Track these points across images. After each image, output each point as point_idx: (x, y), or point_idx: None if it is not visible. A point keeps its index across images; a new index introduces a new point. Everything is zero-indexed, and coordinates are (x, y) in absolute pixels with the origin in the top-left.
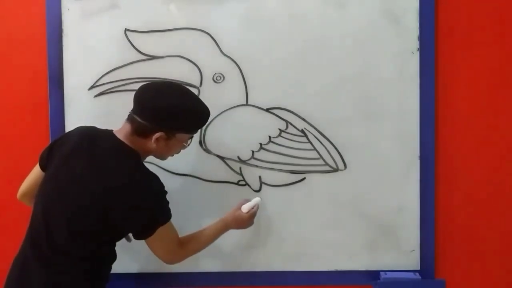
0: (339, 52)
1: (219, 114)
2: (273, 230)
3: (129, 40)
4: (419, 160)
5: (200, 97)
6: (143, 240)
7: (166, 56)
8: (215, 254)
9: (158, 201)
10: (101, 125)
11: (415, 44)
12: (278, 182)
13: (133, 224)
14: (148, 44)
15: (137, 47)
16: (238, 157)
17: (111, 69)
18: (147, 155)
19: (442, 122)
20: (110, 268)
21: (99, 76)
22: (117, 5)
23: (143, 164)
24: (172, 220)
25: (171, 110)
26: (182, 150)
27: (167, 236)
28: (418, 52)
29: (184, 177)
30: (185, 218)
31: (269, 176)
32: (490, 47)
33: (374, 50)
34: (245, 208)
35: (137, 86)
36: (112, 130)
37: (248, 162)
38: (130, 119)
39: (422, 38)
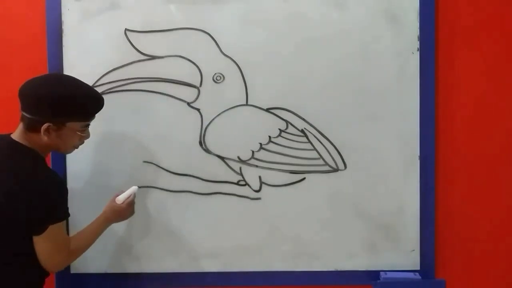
0: (339, 52)
1: (219, 114)
2: (273, 230)
3: (129, 40)
4: (419, 160)
5: (200, 97)
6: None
7: (166, 56)
8: (214, 254)
9: (53, 197)
10: (101, 125)
11: (415, 44)
12: (278, 182)
13: (28, 219)
14: (148, 44)
15: (137, 47)
16: (238, 157)
17: (111, 69)
18: (46, 150)
19: (442, 122)
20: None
21: (99, 76)
22: (117, 5)
23: (41, 161)
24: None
25: (52, 98)
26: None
27: (58, 235)
28: (418, 52)
29: (184, 177)
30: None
31: (269, 176)
32: (490, 47)
33: (374, 50)
34: (119, 199)
35: (137, 86)
36: (10, 133)
37: (248, 162)
38: (21, 117)
39: (422, 38)
